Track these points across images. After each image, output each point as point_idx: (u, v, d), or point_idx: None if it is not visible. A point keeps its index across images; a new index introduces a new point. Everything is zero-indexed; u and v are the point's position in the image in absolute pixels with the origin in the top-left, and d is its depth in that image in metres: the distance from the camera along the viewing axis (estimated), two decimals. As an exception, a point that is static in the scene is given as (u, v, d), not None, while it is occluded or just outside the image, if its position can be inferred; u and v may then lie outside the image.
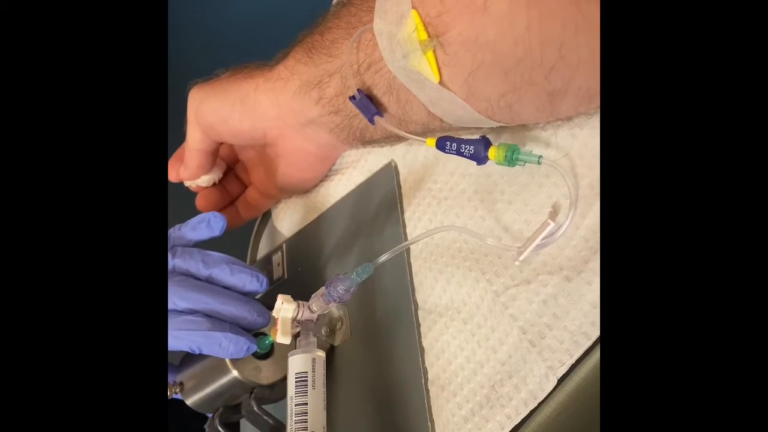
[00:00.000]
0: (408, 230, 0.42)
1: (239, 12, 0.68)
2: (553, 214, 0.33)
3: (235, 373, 0.40)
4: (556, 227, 0.32)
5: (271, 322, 0.41)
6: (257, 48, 0.45)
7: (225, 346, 0.38)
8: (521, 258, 0.33)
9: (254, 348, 0.39)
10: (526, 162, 0.33)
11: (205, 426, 0.43)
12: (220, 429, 0.41)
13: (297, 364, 0.37)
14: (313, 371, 0.36)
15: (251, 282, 0.41)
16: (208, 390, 0.41)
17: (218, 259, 0.40)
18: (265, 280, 0.41)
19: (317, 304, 0.38)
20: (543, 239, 0.33)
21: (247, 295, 0.41)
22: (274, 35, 0.44)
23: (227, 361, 0.40)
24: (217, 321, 0.39)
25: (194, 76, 0.46)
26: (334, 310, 0.43)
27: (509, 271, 0.35)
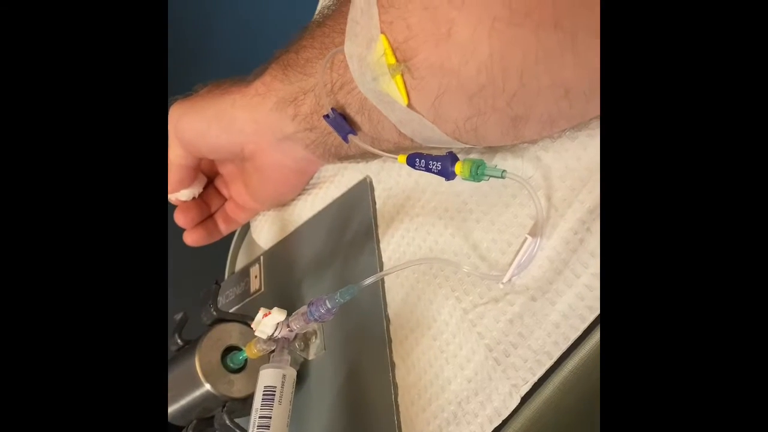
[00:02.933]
0: (382, 245, 0.42)
1: (238, 16, 0.68)
2: (533, 231, 0.34)
3: (207, 386, 0.40)
4: (535, 243, 0.33)
5: (248, 336, 0.41)
6: (254, 52, 0.45)
7: None
8: (505, 279, 0.33)
9: None
10: (491, 176, 0.33)
11: (179, 438, 0.43)
12: (194, 442, 0.41)
13: (267, 377, 0.37)
14: (282, 387, 0.37)
15: None
16: (182, 402, 0.41)
17: None
18: None
19: (297, 323, 0.38)
20: (524, 258, 0.33)
21: None
22: (270, 42, 0.44)
23: (200, 374, 0.40)
24: None
25: (192, 81, 0.47)
26: (311, 324, 0.43)
27: (478, 290, 0.36)
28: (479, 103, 0.30)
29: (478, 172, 0.33)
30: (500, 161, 0.37)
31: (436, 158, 0.34)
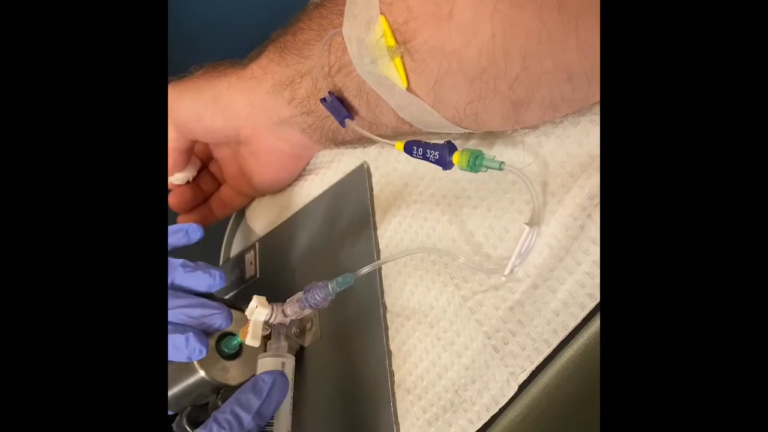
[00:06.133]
0: (379, 233, 0.42)
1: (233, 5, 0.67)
2: (531, 221, 0.33)
3: (202, 373, 0.40)
4: (533, 233, 0.32)
5: (242, 322, 0.41)
6: (247, 43, 0.45)
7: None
8: (507, 272, 0.33)
9: (203, 352, 0.38)
10: (488, 168, 0.33)
11: (173, 425, 0.43)
12: (188, 428, 0.41)
13: (267, 366, 0.37)
14: None
15: (205, 280, 0.40)
16: (175, 389, 0.41)
17: (174, 264, 0.40)
18: (217, 274, 0.40)
19: (292, 309, 0.37)
20: (523, 248, 0.33)
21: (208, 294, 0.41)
22: (260, 32, 0.44)
23: (194, 361, 0.40)
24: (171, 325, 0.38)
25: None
26: (306, 311, 0.43)
27: (477, 277, 0.35)
28: (480, 86, 0.30)
29: (476, 163, 0.33)
30: (500, 147, 0.36)
31: (434, 147, 0.34)
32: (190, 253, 0.42)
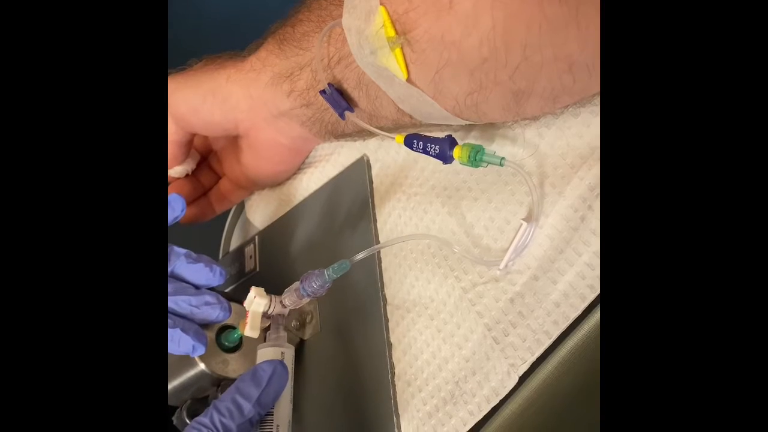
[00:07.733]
0: (378, 225, 0.42)
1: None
2: (529, 217, 0.33)
3: (202, 366, 0.40)
4: (530, 229, 0.32)
5: (242, 315, 0.41)
6: (246, 35, 0.44)
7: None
8: (502, 266, 0.33)
9: (201, 349, 0.38)
10: (489, 163, 0.33)
11: (173, 417, 0.43)
12: (188, 421, 0.41)
13: (266, 356, 0.37)
14: None
15: (205, 274, 0.40)
16: (176, 382, 0.41)
17: (178, 253, 0.40)
18: (218, 270, 0.40)
19: (290, 299, 0.38)
20: (519, 243, 0.33)
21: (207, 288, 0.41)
22: (260, 24, 0.43)
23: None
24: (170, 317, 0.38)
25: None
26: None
27: (477, 269, 0.35)
28: (481, 77, 0.30)
29: (476, 158, 0.33)
30: (501, 139, 0.36)
31: (435, 141, 0.34)
32: (189, 247, 0.42)
